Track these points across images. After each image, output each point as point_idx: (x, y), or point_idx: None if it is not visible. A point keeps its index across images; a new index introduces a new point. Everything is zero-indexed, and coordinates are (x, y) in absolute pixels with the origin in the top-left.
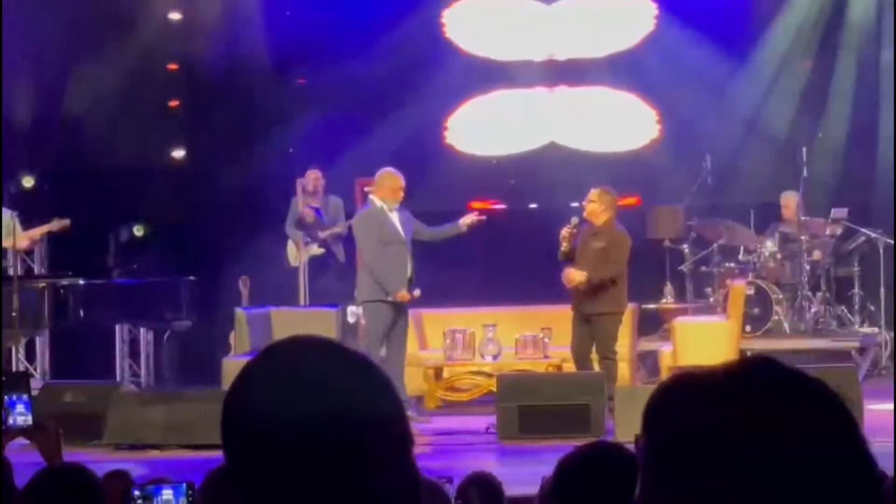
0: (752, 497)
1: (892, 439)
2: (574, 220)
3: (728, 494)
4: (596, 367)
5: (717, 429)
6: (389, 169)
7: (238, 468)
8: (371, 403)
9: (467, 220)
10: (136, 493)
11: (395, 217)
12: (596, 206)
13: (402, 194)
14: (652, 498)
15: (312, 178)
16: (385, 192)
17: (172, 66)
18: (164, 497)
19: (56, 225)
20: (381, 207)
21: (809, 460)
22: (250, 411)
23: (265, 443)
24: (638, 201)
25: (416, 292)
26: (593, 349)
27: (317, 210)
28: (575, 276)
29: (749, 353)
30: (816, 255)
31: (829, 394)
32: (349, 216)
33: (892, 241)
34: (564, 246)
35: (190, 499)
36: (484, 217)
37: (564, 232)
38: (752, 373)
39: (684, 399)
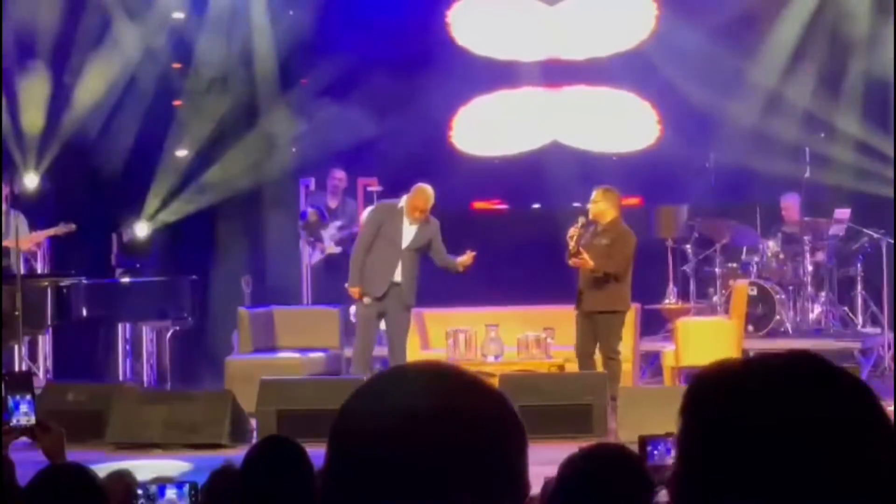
0: (781, 491)
1: None
2: (581, 219)
3: (758, 485)
4: (599, 366)
5: (749, 422)
6: (421, 186)
7: (339, 487)
8: (479, 429)
9: (464, 260)
10: (140, 492)
11: (407, 223)
12: (600, 205)
13: (419, 215)
14: (686, 478)
15: (337, 177)
16: (409, 205)
17: (176, 65)
18: (168, 497)
19: (61, 229)
20: (401, 209)
21: (841, 462)
22: (357, 434)
23: (370, 465)
24: (640, 202)
25: (366, 300)
26: (597, 348)
27: (321, 210)
28: (584, 261)
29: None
30: (819, 255)
31: (865, 392)
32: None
33: (894, 242)
34: (572, 246)
35: (193, 499)
36: (475, 253)
37: (572, 231)
38: (791, 368)
39: (721, 389)
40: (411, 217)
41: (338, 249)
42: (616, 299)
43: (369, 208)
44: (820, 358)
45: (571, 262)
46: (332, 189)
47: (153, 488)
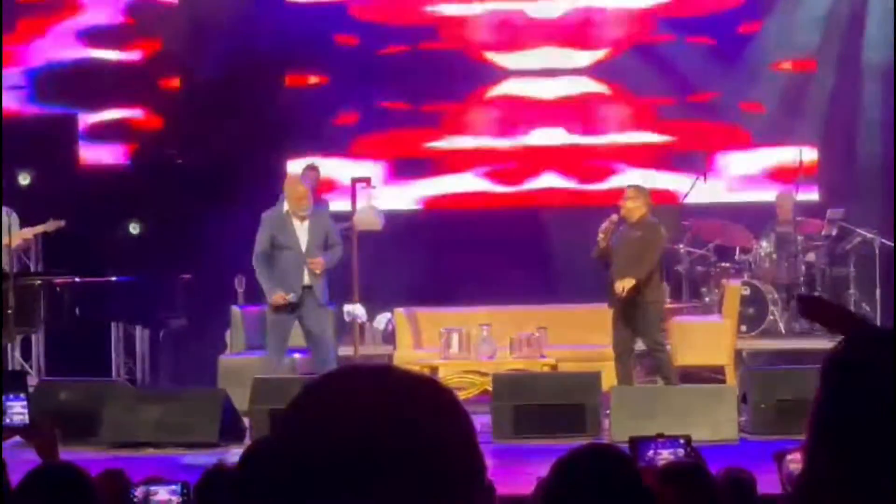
0: None
1: None
2: (614, 217)
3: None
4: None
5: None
6: (292, 175)
7: (277, 490)
8: (429, 430)
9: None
10: (133, 492)
11: (298, 224)
12: (632, 203)
13: (305, 203)
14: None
15: (312, 176)
16: (289, 199)
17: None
18: (161, 496)
19: (51, 226)
20: (287, 213)
21: None
22: (300, 435)
23: (312, 468)
24: None
25: (291, 296)
26: (633, 344)
27: None
28: (626, 283)
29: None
30: (811, 256)
31: None
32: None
33: (888, 242)
34: (602, 240)
35: (185, 498)
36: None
37: (604, 226)
38: None
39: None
40: (300, 209)
41: None
42: (646, 291)
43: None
44: None
45: (618, 289)
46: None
47: (145, 488)
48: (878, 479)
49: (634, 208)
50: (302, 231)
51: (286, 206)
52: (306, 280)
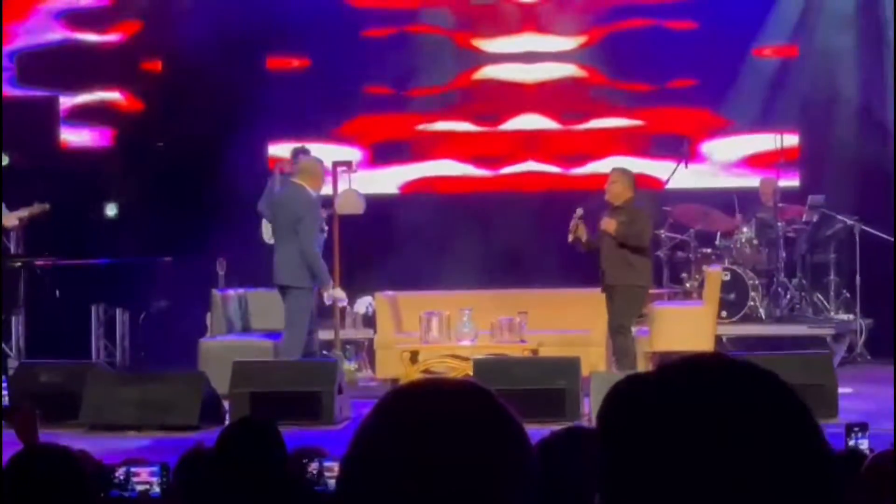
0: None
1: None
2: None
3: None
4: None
5: (675, 439)
6: (312, 156)
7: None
8: (494, 454)
9: None
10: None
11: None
12: (617, 185)
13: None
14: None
15: (288, 160)
16: (318, 178)
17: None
18: (141, 478)
19: (37, 209)
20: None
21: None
22: (375, 451)
23: (383, 483)
24: None
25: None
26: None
27: None
28: (608, 223)
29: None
30: (793, 241)
31: (780, 387)
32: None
33: (869, 229)
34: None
35: (164, 479)
36: None
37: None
38: (702, 372)
39: (637, 407)
40: (320, 189)
41: None
42: (633, 273)
43: (301, 202)
44: (719, 356)
45: (602, 225)
46: (292, 171)
47: (126, 469)
48: None
49: (620, 191)
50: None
51: (314, 192)
52: None
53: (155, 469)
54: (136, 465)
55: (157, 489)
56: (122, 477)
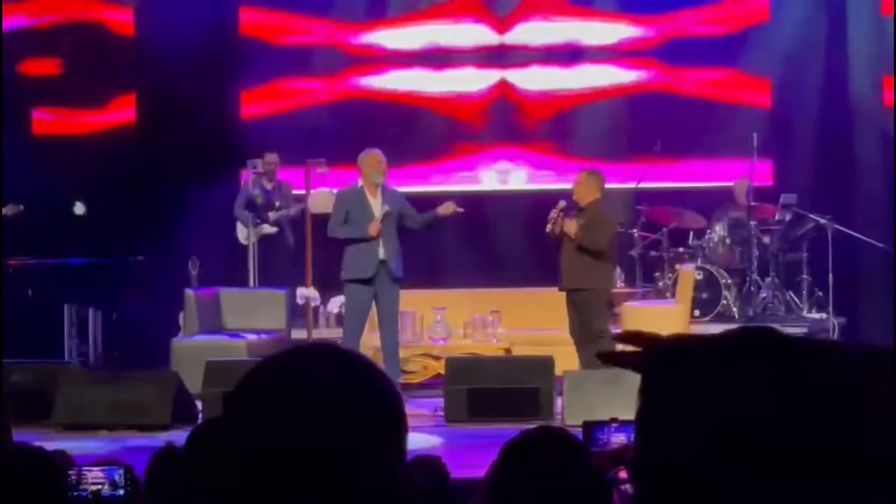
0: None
1: None
2: (561, 203)
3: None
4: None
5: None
6: (367, 153)
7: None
8: (361, 407)
9: (445, 207)
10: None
11: (371, 199)
12: (583, 186)
13: (384, 166)
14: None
15: (271, 160)
16: (370, 166)
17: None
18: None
19: (10, 210)
20: (361, 188)
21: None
22: (245, 414)
23: (255, 443)
24: None
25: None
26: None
27: (266, 192)
28: (569, 225)
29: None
30: (765, 240)
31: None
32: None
33: (841, 228)
34: (549, 228)
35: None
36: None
37: (552, 215)
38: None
39: (678, 369)
40: (371, 189)
41: (274, 230)
42: (593, 277)
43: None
44: (771, 330)
45: (554, 229)
46: (267, 173)
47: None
48: None
49: (585, 192)
50: (376, 205)
51: (360, 182)
52: (381, 255)
53: (109, 469)
54: (96, 468)
55: (108, 489)
56: (74, 478)
